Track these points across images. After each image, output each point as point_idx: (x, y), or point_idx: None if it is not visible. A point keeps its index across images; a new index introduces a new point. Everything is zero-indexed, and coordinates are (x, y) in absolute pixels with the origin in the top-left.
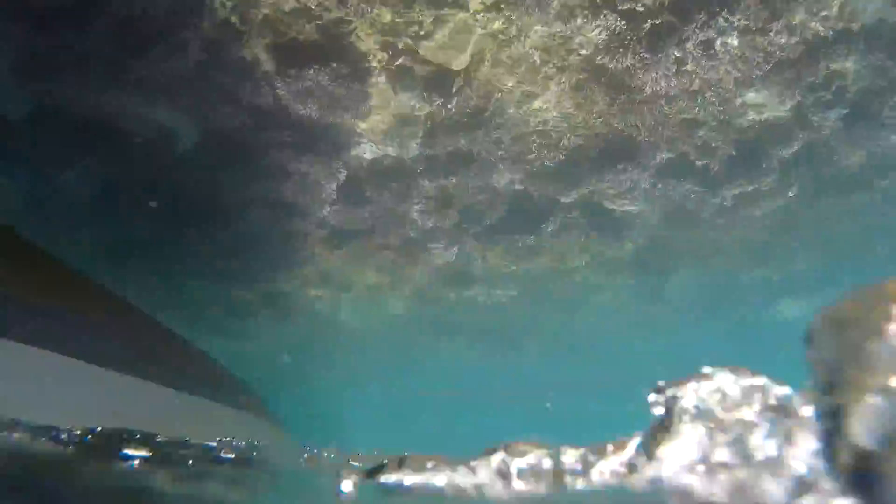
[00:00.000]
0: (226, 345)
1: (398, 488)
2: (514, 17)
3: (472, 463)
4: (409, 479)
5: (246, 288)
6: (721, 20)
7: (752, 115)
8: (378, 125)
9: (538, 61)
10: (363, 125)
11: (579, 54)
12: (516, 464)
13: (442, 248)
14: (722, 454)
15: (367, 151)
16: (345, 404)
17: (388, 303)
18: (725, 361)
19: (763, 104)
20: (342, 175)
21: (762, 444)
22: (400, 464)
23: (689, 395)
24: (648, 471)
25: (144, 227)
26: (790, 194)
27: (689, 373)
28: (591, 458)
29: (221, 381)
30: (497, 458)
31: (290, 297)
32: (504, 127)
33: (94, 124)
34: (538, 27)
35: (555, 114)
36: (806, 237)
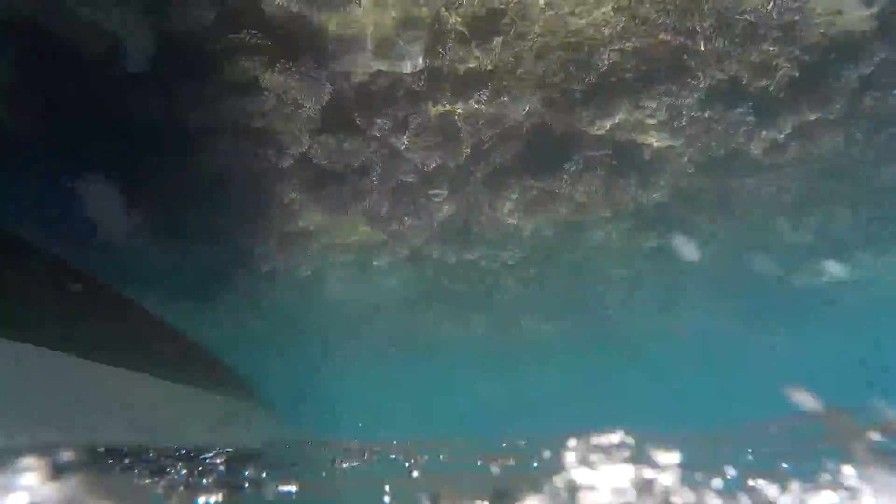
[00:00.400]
0: (198, 320)
1: None
2: None
3: None
4: None
5: (210, 244)
6: None
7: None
8: (373, 29)
9: None
10: (354, 29)
11: None
12: None
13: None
14: None
15: (358, 64)
16: (337, 387)
17: (380, 270)
18: None
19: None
20: (326, 90)
21: None
22: None
23: None
24: None
25: (90, 168)
26: (855, 131)
27: None
28: None
29: (206, 366)
30: None
31: (265, 261)
32: (527, 37)
33: (21, 31)
34: None
35: (593, 18)
36: (851, 188)
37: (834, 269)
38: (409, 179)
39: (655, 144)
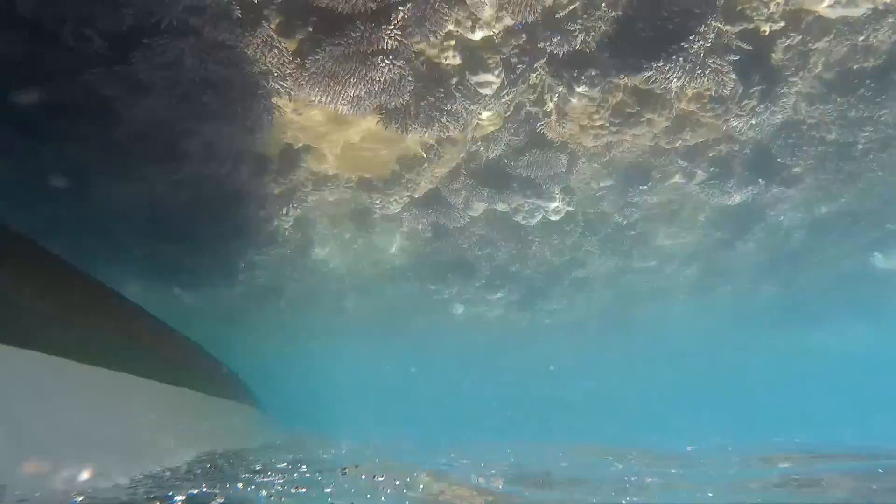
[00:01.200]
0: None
1: None
2: None
3: None
4: None
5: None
6: None
7: None
8: None
9: None
10: None
11: None
12: None
13: (494, 85)
14: None
15: None
16: (323, 384)
17: (382, 221)
18: None
19: None
20: None
21: None
22: None
23: None
24: None
25: None
26: None
27: None
28: None
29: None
30: None
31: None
32: None
33: None
34: None
35: None
36: None
37: None
38: (448, 61)
39: (824, 12)
